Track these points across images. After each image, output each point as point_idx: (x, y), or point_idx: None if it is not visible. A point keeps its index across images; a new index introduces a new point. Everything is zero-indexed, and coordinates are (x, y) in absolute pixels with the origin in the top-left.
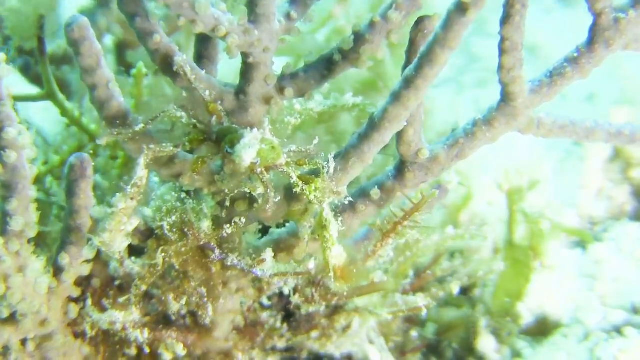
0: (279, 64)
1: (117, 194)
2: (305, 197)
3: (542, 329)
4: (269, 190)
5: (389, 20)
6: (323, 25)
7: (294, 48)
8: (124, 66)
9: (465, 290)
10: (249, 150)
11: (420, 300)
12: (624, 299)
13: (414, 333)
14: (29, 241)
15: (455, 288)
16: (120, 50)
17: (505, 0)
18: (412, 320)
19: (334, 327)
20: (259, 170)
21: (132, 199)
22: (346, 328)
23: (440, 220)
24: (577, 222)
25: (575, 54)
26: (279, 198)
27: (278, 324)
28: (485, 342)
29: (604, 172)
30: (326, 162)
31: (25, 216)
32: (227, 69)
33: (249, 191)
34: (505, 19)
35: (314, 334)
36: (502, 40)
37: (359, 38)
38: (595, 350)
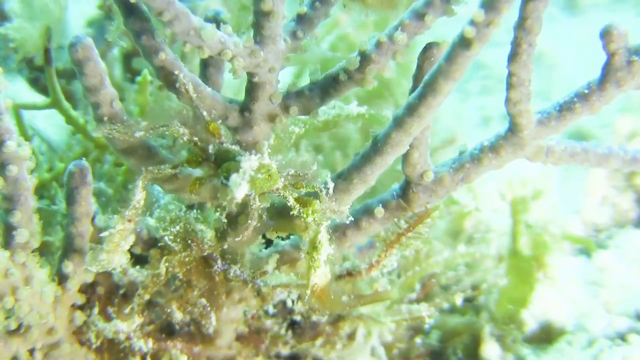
0: (283, 73)
1: (115, 216)
2: (303, 219)
3: (546, 336)
4: (250, 221)
5: (395, 41)
6: (329, 32)
7: (298, 56)
8: (130, 72)
9: (469, 297)
10: (241, 187)
11: (424, 310)
12: (628, 306)
13: (418, 340)
14: (32, 251)
15: (458, 299)
16: (127, 57)
17: (512, 38)
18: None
19: (338, 334)
20: (251, 197)
21: (129, 221)
22: (351, 335)
23: (445, 228)
24: (581, 229)
25: (586, 91)
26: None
27: (282, 331)
28: (490, 349)
29: (608, 179)
30: (324, 185)
31: (29, 227)
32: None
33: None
34: (512, 57)
35: (318, 341)
36: (510, 75)
37: (364, 57)
38: (600, 357)
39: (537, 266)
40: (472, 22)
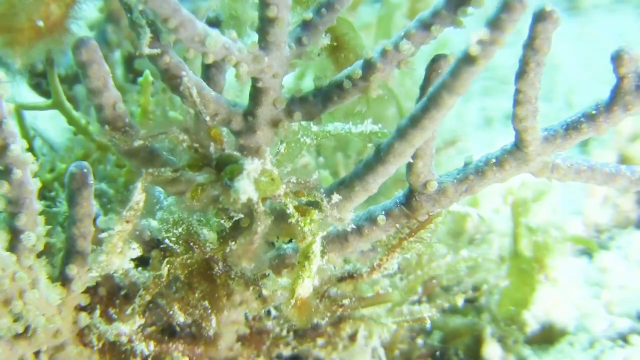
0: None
1: (114, 217)
2: (300, 228)
3: (547, 337)
4: (258, 224)
5: (401, 50)
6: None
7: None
8: (132, 73)
9: (470, 298)
10: (246, 187)
11: (425, 311)
12: (629, 307)
13: (419, 340)
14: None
15: (459, 300)
16: (129, 58)
17: (521, 56)
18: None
19: (339, 335)
20: (255, 200)
21: (127, 222)
22: (352, 336)
23: (446, 228)
24: (583, 230)
25: (594, 111)
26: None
27: (284, 332)
28: (491, 350)
29: None
30: (324, 194)
31: (34, 230)
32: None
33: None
34: (520, 74)
35: (320, 341)
36: (517, 92)
37: (369, 65)
38: (601, 358)
39: (538, 268)
40: (477, 40)
